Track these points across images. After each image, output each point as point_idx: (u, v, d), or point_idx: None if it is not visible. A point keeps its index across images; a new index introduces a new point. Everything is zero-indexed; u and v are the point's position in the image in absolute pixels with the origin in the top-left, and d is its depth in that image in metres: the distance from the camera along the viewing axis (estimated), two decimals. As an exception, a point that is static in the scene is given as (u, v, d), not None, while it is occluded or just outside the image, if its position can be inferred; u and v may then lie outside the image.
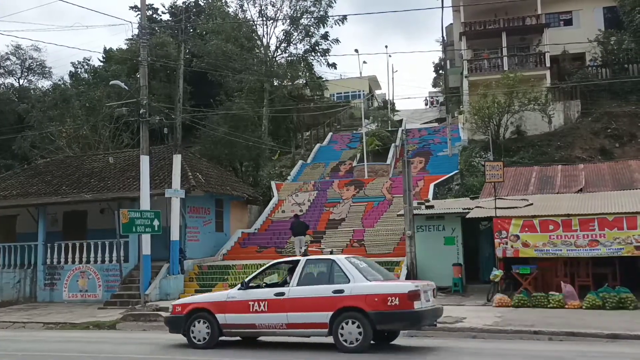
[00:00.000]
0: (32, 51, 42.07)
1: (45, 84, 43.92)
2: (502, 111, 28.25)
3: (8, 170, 30.64)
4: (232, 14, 39.30)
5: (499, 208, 16.61)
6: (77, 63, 43.59)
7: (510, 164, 24.67)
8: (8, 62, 42.23)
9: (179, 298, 19.09)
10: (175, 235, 19.57)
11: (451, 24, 40.28)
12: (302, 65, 39.69)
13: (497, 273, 15.92)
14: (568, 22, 35.99)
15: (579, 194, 19.25)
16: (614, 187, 19.51)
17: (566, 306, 14.38)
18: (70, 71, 43.79)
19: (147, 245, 18.47)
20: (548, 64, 33.07)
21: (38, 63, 43.11)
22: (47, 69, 43.68)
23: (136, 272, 19.54)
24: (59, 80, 42.17)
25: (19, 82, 43.18)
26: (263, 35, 38.52)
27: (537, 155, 27.36)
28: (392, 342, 10.91)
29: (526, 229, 15.90)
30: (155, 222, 17.87)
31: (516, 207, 17.16)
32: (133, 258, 20.32)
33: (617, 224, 15.09)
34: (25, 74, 43.23)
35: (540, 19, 34.30)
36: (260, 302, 10.62)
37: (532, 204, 17.47)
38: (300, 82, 42.02)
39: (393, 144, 35.22)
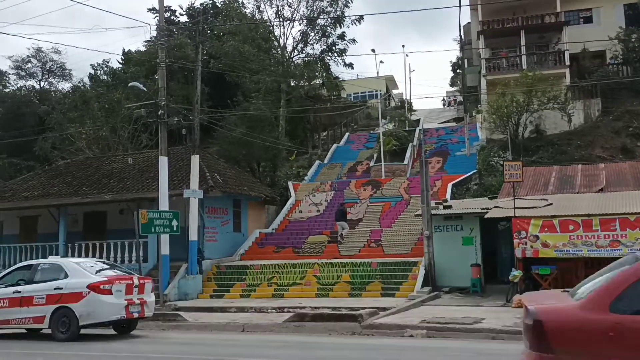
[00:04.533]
0: (52, 54, 42.71)
1: (65, 86, 44.54)
2: (521, 110, 27.97)
3: (29, 172, 31.08)
4: (249, 15, 39.50)
5: (518, 208, 16.45)
6: (96, 65, 44.15)
7: (529, 163, 24.42)
8: (29, 65, 42.88)
9: (197, 298, 19.30)
10: (193, 235, 19.70)
11: (469, 22, 40.00)
12: (318, 65, 39.73)
13: (516, 273, 15.77)
14: (588, 20, 35.54)
15: (599, 193, 19.00)
16: (636, 187, 19.22)
17: (587, 307, 14.17)
18: (90, 73, 44.37)
19: (166, 246, 18.62)
20: (568, 62, 32.68)
21: (58, 65, 43.70)
22: (67, 71, 44.30)
23: (155, 272, 19.68)
24: (79, 82, 42.75)
25: (39, 85, 43.83)
26: (280, 36, 38.68)
27: (556, 155, 27.04)
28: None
29: (546, 229, 15.73)
30: (174, 223, 18.02)
31: (535, 207, 16.98)
32: (152, 258, 20.50)
33: (639, 224, 14.87)
34: (46, 76, 43.86)
35: (560, 16, 33.90)
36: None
37: (551, 204, 17.28)
38: (317, 82, 42.04)
39: (410, 144, 35.08)
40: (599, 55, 33.86)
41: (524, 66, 32.34)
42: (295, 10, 37.83)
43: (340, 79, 45.03)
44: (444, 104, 60.73)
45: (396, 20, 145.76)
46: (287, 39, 38.74)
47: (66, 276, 12.54)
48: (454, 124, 42.52)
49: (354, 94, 56.72)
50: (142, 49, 43.44)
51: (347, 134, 42.18)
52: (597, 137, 28.34)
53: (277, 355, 10.51)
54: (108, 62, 44.43)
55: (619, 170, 21.26)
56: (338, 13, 37.65)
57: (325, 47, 39.06)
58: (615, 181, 20.11)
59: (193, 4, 45.16)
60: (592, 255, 15.34)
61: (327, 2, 37.39)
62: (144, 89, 23.08)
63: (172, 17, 44.60)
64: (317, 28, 38.10)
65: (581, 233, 15.34)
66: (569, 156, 26.63)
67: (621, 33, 32.45)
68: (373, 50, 76.24)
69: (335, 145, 38.56)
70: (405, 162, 32.64)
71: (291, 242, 23.72)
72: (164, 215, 17.99)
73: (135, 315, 12.90)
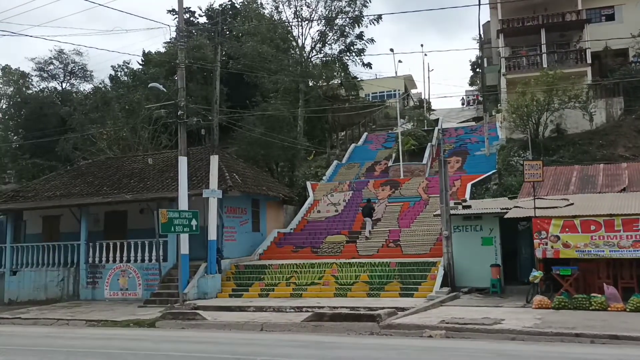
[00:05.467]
0: (74, 55, 43.15)
1: (86, 87, 44.96)
2: (542, 109, 27.69)
3: (52, 172, 31.51)
4: (268, 15, 39.59)
5: (538, 208, 16.29)
6: (117, 66, 44.40)
7: (549, 163, 24.17)
8: (51, 67, 43.34)
9: (216, 297, 19.43)
10: (212, 235, 19.82)
11: (488, 21, 39.71)
12: (337, 65, 39.69)
13: (536, 274, 15.62)
14: (610, 17, 35.06)
15: (622, 193, 18.73)
16: (659, 187, 18.89)
17: (609, 308, 14.01)
18: (111, 74, 44.67)
19: (185, 245, 18.77)
20: (589, 61, 32.29)
21: (80, 67, 44.11)
22: (88, 72, 44.70)
23: (175, 271, 19.86)
24: (100, 83, 43.07)
25: (61, 86, 44.32)
26: (298, 36, 38.72)
27: (578, 154, 26.71)
28: None
29: (567, 229, 15.55)
30: (193, 222, 18.15)
31: (556, 207, 16.80)
32: (172, 257, 20.68)
33: (663, 225, 14.62)
34: (68, 77, 44.30)
35: (581, 14, 33.51)
36: None
37: (572, 204, 17.09)
38: (336, 82, 42.02)
39: (429, 144, 34.94)
40: (621, 54, 33.38)
41: (545, 65, 32.03)
42: (313, 10, 37.89)
43: (359, 79, 44.96)
44: (462, 104, 60.35)
45: (415, 19, 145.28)
46: (305, 39, 38.80)
47: None
48: (473, 123, 42.26)
49: (372, 93, 56.62)
50: (162, 50, 43.73)
51: (365, 133, 42.13)
52: (620, 136, 27.93)
53: (295, 355, 10.54)
54: (128, 64, 44.73)
55: (642, 169, 20.92)
56: (356, 13, 37.62)
57: (343, 47, 39.03)
58: (638, 181, 19.79)
59: (212, 5, 45.45)
60: (614, 255, 15.15)
61: (346, 2, 37.37)
62: (164, 89, 23.28)
63: (191, 19, 44.86)
64: (335, 28, 38.07)
65: (603, 233, 15.14)
66: (590, 156, 26.28)
67: (644, 31, 31.95)
68: (391, 50, 75.99)
69: (353, 145, 38.54)
70: (424, 161, 32.50)
71: (309, 242, 23.75)
72: (184, 215, 18.12)
73: None
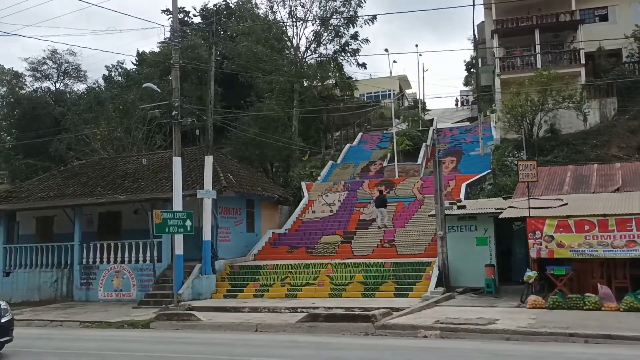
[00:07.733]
0: (67, 55, 43.10)
1: (80, 87, 44.92)
2: (536, 109, 27.78)
3: (45, 172, 31.39)
4: (262, 15, 39.61)
5: (532, 208, 16.33)
6: (111, 66, 44.43)
7: (544, 163, 24.24)
8: (45, 67, 43.29)
9: (210, 298, 19.38)
10: (207, 235, 19.78)
11: (483, 21, 39.83)
12: (331, 65, 39.75)
13: (531, 274, 15.64)
14: (603, 18, 35.23)
15: (615, 193, 18.80)
16: (653, 186, 18.96)
17: (602, 308, 14.05)
18: (104, 74, 44.65)
19: (180, 246, 18.71)
20: (583, 61, 32.42)
21: (73, 67, 44.09)
22: (82, 72, 44.68)
23: (169, 272, 19.81)
24: (94, 83, 43.10)
25: (55, 86, 44.23)
26: (293, 37, 38.77)
27: (572, 154, 26.82)
28: None
29: (561, 229, 15.59)
30: (188, 223, 18.09)
31: (550, 207, 16.84)
32: (166, 258, 20.62)
33: (656, 224, 14.66)
34: (62, 77, 44.25)
35: (575, 15, 33.66)
36: None
37: (567, 204, 17.13)
38: (330, 82, 42.06)
39: (424, 144, 34.98)
40: (615, 54, 33.55)
41: (539, 65, 32.15)
42: (308, 10, 37.96)
43: (354, 79, 45.00)
44: (456, 104, 60.43)
45: (409, 19, 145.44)
46: (300, 39, 38.84)
47: None
48: (467, 123, 42.34)
49: (367, 93, 56.64)
50: (156, 50, 43.73)
51: (360, 134, 42.14)
52: (613, 137, 28.07)
53: (290, 355, 10.53)
54: (122, 64, 44.73)
55: (635, 169, 21.01)
56: (351, 13, 37.71)
57: (338, 47, 39.10)
58: (632, 181, 19.88)
59: (206, 5, 45.45)
60: (608, 255, 15.19)
61: (340, 2, 37.45)
62: (158, 90, 23.19)
63: (185, 19, 44.82)
64: (330, 28, 38.14)
65: (597, 233, 15.18)
66: (584, 156, 26.39)
67: (637, 31, 32.11)
68: (386, 50, 75.98)
69: (348, 145, 38.55)
70: (419, 162, 32.53)
71: (304, 243, 23.72)
72: (178, 216, 18.07)
73: None
